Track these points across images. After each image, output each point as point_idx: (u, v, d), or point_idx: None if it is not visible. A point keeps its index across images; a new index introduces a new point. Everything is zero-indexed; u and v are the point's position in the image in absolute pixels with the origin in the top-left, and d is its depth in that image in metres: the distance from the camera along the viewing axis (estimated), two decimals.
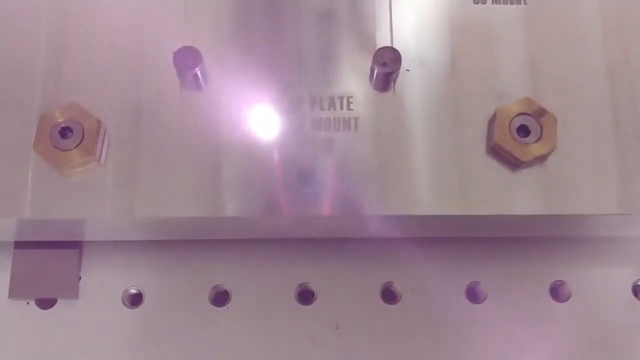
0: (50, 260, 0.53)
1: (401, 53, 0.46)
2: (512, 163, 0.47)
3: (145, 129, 0.47)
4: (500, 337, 0.53)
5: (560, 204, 0.47)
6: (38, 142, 0.45)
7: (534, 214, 0.47)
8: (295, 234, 0.53)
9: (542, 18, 0.50)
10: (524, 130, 0.47)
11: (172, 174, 0.46)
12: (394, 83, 0.48)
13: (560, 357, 0.53)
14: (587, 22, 0.50)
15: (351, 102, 0.48)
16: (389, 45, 0.49)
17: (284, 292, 0.54)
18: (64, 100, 0.47)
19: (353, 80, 0.49)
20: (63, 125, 0.45)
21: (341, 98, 0.48)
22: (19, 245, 0.53)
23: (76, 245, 0.53)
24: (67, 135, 0.45)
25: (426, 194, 0.46)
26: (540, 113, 0.47)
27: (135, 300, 0.54)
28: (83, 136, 0.45)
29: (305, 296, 0.55)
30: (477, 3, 0.50)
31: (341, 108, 0.48)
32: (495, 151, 0.47)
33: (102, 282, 0.54)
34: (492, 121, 0.47)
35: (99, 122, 0.46)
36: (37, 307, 0.53)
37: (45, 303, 0.53)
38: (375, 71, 0.47)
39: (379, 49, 0.46)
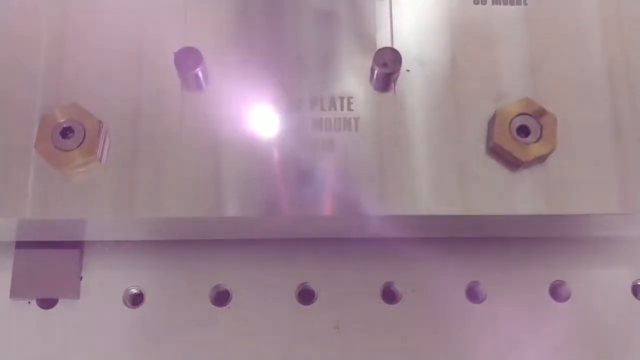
0: (52, 260, 0.53)
1: (401, 54, 0.46)
2: (512, 163, 0.47)
3: (146, 130, 0.47)
4: (500, 337, 0.53)
5: (560, 204, 0.47)
6: (39, 142, 0.45)
7: (534, 214, 0.47)
8: (296, 234, 0.53)
9: (542, 18, 0.50)
10: (523, 131, 0.47)
11: (172, 174, 0.46)
12: (394, 83, 0.48)
13: (560, 357, 0.53)
14: (587, 23, 0.50)
15: (351, 103, 0.48)
16: (389, 45, 0.49)
17: (284, 291, 0.54)
18: (64, 100, 0.47)
19: (353, 81, 0.49)
20: (64, 126, 0.45)
21: (341, 98, 0.48)
22: (20, 245, 0.53)
23: (77, 245, 0.53)
24: (68, 135, 0.45)
25: (426, 194, 0.47)
26: (540, 113, 0.47)
27: (136, 300, 0.54)
28: (84, 136, 0.45)
29: (306, 296, 0.55)
30: (477, 4, 0.50)
31: (341, 108, 0.48)
32: (495, 151, 0.47)
33: (103, 282, 0.54)
34: (492, 121, 0.47)
35: (100, 122, 0.46)
36: (38, 307, 0.53)
37: (47, 303, 0.54)
38: (376, 72, 0.47)
39: (379, 49, 0.47)
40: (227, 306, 0.54)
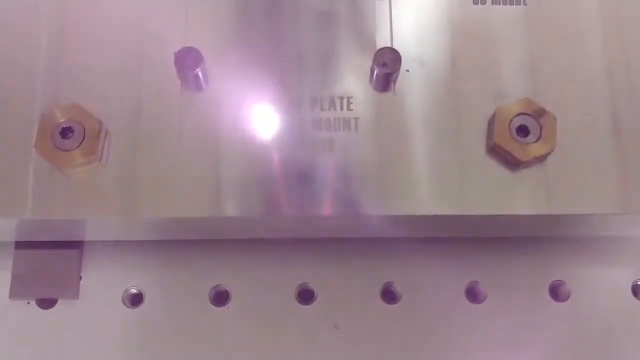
0: (51, 261, 0.53)
1: (401, 53, 0.46)
2: (512, 163, 0.47)
3: (146, 130, 0.47)
4: (499, 337, 0.53)
5: (560, 203, 0.47)
6: (39, 142, 0.45)
7: (534, 213, 0.47)
8: (295, 234, 0.53)
9: (541, 18, 0.50)
10: (523, 130, 0.47)
11: (172, 174, 0.46)
12: (394, 83, 0.48)
13: (560, 357, 0.53)
14: (586, 22, 0.50)
15: (351, 103, 0.48)
16: (389, 45, 0.49)
17: (284, 291, 0.54)
18: (65, 100, 0.47)
19: (353, 81, 0.49)
20: (64, 126, 0.45)
21: (341, 98, 0.48)
22: (19, 245, 0.53)
23: (76, 245, 0.53)
24: (68, 135, 0.45)
25: (426, 194, 0.47)
26: (539, 113, 0.47)
27: (136, 300, 0.54)
28: (84, 136, 0.45)
29: (305, 296, 0.55)
30: (477, 3, 0.50)
31: (341, 108, 0.48)
32: (495, 151, 0.47)
33: (103, 282, 0.54)
34: (491, 121, 0.47)
35: (100, 122, 0.46)
36: (37, 307, 0.53)
37: (46, 303, 0.54)
38: (375, 72, 0.47)
39: (379, 49, 0.47)
40: (227, 306, 0.54)
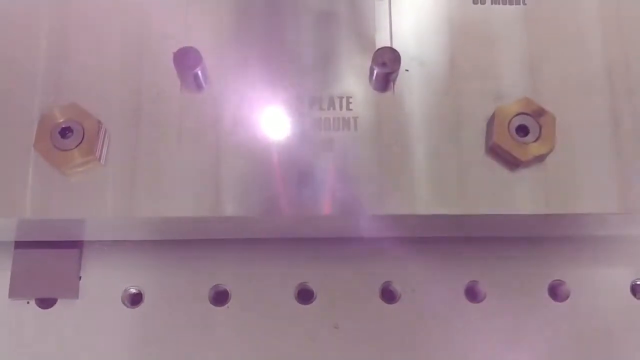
0: (51, 260, 0.53)
1: (400, 53, 0.46)
2: (511, 163, 0.47)
3: (145, 129, 0.47)
4: (499, 337, 0.53)
5: (560, 203, 0.47)
6: (38, 142, 0.45)
7: (533, 213, 0.47)
8: (295, 234, 0.53)
9: (541, 18, 0.50)
10: (522, 130, 0.47)
11: (172, 174, 0.46)
12: (394, 83, 0.48)
13: (559, 356, 0.53)
14: (586, 22, 0.50)
15: (351, 102, 0.48)
16: (389, 45, 0.49)
17: (283, 291, 0.54)
18: (64, 100, 0.47)
19: (352, 81, 0.49)
20: (63, 126, 0.45)
21: (341, 98, 0.48)
22: (19, 245, 0.53)
23: (76, 245, 0.53)
24: (67, 135, 0.45)
25: (425, 194, 0.47)
26: (539, 113, 0.47)
27: (135, 300, 0.54)
28: (83, 136, 0.45)
29: (305, 295, 0.55)
30: (476, 3, 0.50)
31: (341, 108, 0.48)
32: (495, 151, 0.47)
33: (102, 282, 0.54)
34: (491, 121, 0.47)
35: (99, 122, 0.46)
36: (37, 307, 0.53)
37: (46, 303, 0.54)
38: (375, 71, 0.47)
39: (378, 49, 0.47)
40: (226, 306, 0.54)
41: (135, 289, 0.54)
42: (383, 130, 0.48)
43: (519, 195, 0.47)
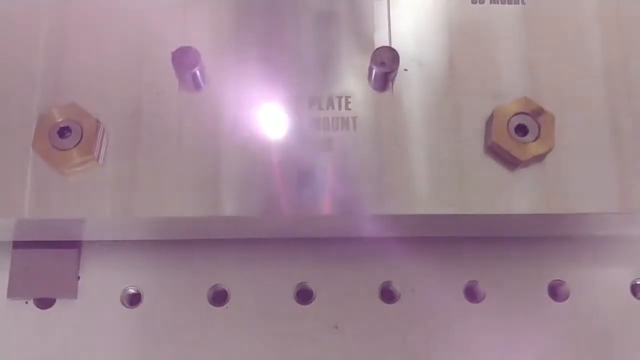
0: (49, 260, 0.53)
1: (399, 53, 0.46)
2: (511, 162, 0.47)
3: (144, 129, 0.47)
4: (498, 336, 0.53)
5: (559, 203, 0.47)
6: (37, 141, 0.45)
7: (533, 213, 0.47)
8: (294, 234, 0.53)
9: (540, 17, 0.50)
10: (522, 130, 0.47)
11: (171, 173, 0.46)
12: (392, 83, 0.48)
13: (559, 356, 0.53)
14: (585, 22, 0.50)
15: (350, 102, 0.48)
16: (387, 45, 0.49)
17: (283, 291, 0.54)
18: (63, 100, 0.47)
19: (351, 80, 0.49)
20: (62, 125, 0.45)
21: (340, 98, 0.48)
22: (17, 245, 0.53)
23: (75, 245, 0.53)
24: (66, 135, 0.45)
25: (424, 194, 0.46)
26: (538, 112, 0.47)
27: (134, 300, 0.54)
28: (82, 136, 0.45)
29: (304, 296, 0.55)
30: (475, 3, 0.50)
31: (340, 108, 0.48)
32: (494, 150, 0.47)
33: (101, 282, 0.54)
34: (490, 121, 0.47)
35: (97, 121, 0.46)
36: (35, 307, 0.53)
37: (44, 303, 0.53)
38: (374, 71, 0.47)
39: (377, 48, 0.47)
40: (225, 306, 0.54)
41: (134, 289, 0.54)
42: (382, 130, 0.48)
43: (518, 195, 0.47)
